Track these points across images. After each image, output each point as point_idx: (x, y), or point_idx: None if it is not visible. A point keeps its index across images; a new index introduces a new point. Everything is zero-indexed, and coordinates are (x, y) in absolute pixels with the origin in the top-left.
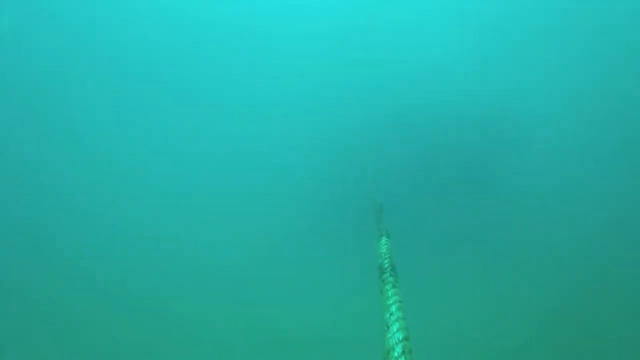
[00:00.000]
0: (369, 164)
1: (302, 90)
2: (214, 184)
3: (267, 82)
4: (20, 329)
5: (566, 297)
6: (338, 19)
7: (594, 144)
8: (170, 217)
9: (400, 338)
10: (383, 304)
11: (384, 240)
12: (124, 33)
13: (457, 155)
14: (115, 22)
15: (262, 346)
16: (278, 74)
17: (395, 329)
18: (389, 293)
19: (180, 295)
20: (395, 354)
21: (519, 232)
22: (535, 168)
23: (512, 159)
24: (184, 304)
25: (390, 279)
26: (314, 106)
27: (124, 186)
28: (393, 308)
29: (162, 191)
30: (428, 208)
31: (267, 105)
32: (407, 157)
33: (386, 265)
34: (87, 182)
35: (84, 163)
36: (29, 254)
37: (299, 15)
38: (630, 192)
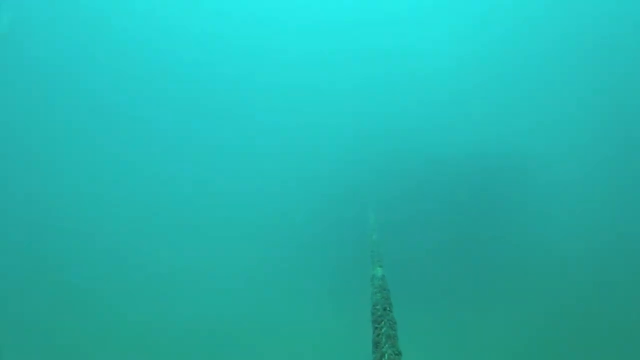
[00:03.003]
0: (369, 206)
1: (309, 123)
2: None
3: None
4: (19, 330)
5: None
6: (357, 65)
7: (600, 189)
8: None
9: None
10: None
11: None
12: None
13: (460, 198)
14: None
15: None
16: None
17: None
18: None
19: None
20: None
21: (518, 277)
22: (537, 211)
23: (516, 201)
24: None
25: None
26: (314, 142)
27: (119, 198)
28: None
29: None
30: (427, 251)
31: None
32: (409, 197)
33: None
34: (87, 190)
35: (81, 168)
36: (28, 259)
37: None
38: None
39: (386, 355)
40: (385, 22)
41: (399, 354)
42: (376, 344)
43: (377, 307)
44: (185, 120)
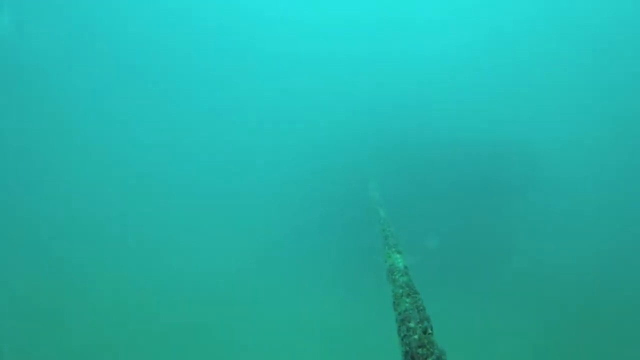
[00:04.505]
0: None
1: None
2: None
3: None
4: (19, 330)
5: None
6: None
7: (611, 187)
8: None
9: None
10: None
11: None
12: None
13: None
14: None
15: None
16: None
17: None
18: None
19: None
20: None
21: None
22: (544, 196)
23: (522, 188)
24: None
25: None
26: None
27: (118, 189)
28: None
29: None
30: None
31: (270, 114)
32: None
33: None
34: (81, 182)
35: (77, 163)
36: (27, 257)
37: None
38: None
39: None
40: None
41: None
42: None
43: (410, 325)
44: (186, 115)
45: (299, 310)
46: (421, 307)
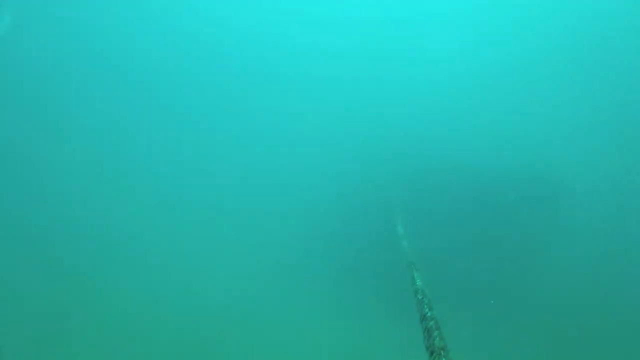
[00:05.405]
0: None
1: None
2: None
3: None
4: (19, 329)
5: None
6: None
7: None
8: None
9: None
10: None
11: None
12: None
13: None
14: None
15: None
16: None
17: None
18: None
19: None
20: None
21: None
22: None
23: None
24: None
25: None
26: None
27: (123, 193)
28: None
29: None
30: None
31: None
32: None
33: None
34: (88, 193)
35: (80, 164)
36: (28, 256)
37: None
38: None
39: None
40: (412, 22)
41: None
42: None
43: None
44: (195, 114)
45: (305, 324)
46: None
